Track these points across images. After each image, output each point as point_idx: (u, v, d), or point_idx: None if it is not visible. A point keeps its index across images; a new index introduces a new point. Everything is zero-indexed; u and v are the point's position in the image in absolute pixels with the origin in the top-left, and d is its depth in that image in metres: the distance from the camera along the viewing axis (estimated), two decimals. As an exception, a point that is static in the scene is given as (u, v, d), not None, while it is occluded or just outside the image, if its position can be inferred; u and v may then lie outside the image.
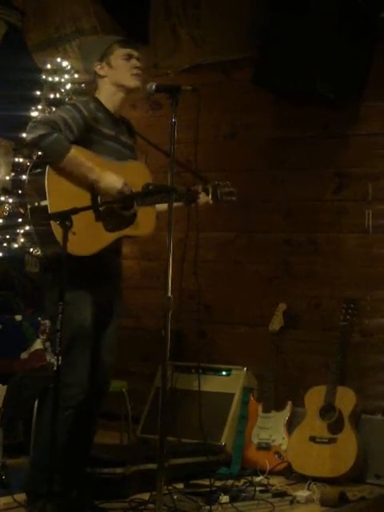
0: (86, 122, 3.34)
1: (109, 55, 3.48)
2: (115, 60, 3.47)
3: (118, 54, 3.47)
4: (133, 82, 3.47)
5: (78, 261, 3.20)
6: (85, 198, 3.29)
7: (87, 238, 3.26)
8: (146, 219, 3.47)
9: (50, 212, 3.18)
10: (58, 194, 3.23)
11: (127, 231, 3.43)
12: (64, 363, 3.02)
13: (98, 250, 3.31)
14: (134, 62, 3.48)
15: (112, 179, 3.31)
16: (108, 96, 3.48)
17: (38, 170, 3.28)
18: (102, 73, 3.48)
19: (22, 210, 5.12)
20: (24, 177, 3.32)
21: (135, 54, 3.50)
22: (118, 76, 3.46)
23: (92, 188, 3.32)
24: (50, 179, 3.23)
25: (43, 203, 3.22)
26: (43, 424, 3.43)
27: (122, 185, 3.32)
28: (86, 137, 3.35)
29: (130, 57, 3.48)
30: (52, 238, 3.17)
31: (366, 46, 4.82)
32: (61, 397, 3.08)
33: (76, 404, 3.29)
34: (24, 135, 3.32)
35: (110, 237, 3.37)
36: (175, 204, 3.22)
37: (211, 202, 3.61)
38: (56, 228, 3.14)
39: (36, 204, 3.27)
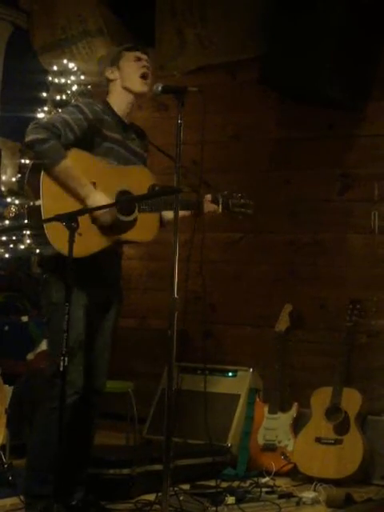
0: (89, 123, 3.34)
1: (119, 59, 3.53)
2: (124, 62, 3.52)
3: (128, 57, 3.53)
4: (139, 87, 3.49)
5: (74, 263, 3.18)
6: (79, 200, 3.30)
7: (81, 240, 3.22)
8: (147, 225, 3.45)
9: (43, 212, 3.20)
10: (53, 195, 3.24)
11: (125, 236, 3.41)
12: (57, 364, 3.02)
13: (90, 252, 3.30)
14: (142, 62, 3.52)
15: (99, 200, 3.29)
16: (118, 100, 3.50)
17: (35, 171, 3.29)
18: (112, 77, 3.52)
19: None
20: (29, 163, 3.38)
21: (144, 56, 3.54)
22: (127, 78, 3.49)
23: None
24: (45, 180, 3.25)
25: (38, 203, 3.24)
26: (35, 425, 3.44)
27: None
28: (89, 139, 3.36)
29: (138, 59, 3.52)
30: (45, 239, 3.19)
31: (372, 46, 4.81)
32: (54, 397, 3.09)
33: (70, 403, 3.27)
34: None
35: (105, 240, 3.36)
36: (181, 213, 3.23)
37: (220, 211, 3.60)
38: (50, 230, 3.15)
39: (32, 203, 3.30)
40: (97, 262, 3.34)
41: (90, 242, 3.30)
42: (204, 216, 3.55)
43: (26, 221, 5.07)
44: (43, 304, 3.43)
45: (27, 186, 3.40)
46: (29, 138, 3.26)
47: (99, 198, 3.29)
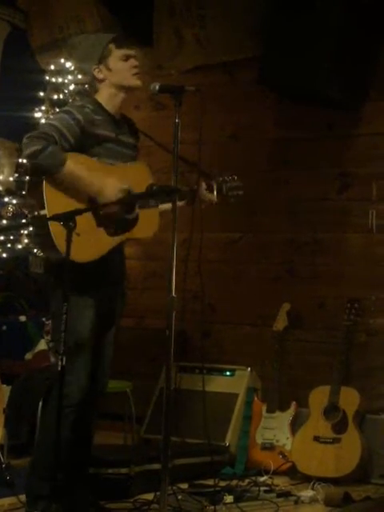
0: (81, 128, 3.32)
1: (106, 57, 3.44)
2: (113, 62, 3.44)
3: (116, 56, 3.44)
4: (134, 82, 3.46)
5: (81, 265, 3.20)
6: (84, 205, 3.30)
7: (90, 244, 3.26)
8: (148, 221, 3.46)
9: (49, 223, 3.18)
10: (57, 203, 3.22)
11: (130, 234, 3.42)
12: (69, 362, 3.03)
13: (100, 255, 3.31)
14: (132, 61, 3.46)
15: (112, 192, 3.30)
16: (108, 98, 3.46)
17: (36, 183, 3.28)
18: (100, 76, 3.45)
19: (25, 211, 5.13)
20: (27, 178, 3.35)
21: (132, 53, 3.47)
22: (119, 78, 3.44)
23: (91, 197, 3.32)
24: (48, 188, 3.24)
25: (43, 212, 3.24)
26: (44, 424, 3.45)
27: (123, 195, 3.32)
28: (84, 142, 3.34)
29: (127, 57, 3.45)
30: (53, 244, 3.17)
31: (371, 46, 4.81)
32: (64, 396, 3.09)
33: (75, 403, 3.29)
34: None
35: (112, 241, 3.37)
36: (178, 203, 3.23)
37: (216, 200, 3.60)
38: (56, 234, 3.15)
39: (36, 213, 3.30)
40: (104, 263, 3.34)
41: (96, 245, 3.31)
42: (200, 205, 3.51)
43: (23, 220, 5.14)
44: (54, 305, 3.40)
45: (29, 197, 3.39)
46: (27, 151, 3.22)
47: (110, 191, 3.29)
